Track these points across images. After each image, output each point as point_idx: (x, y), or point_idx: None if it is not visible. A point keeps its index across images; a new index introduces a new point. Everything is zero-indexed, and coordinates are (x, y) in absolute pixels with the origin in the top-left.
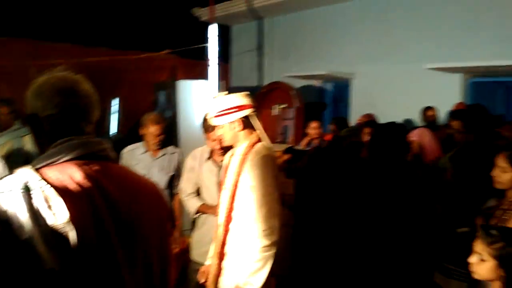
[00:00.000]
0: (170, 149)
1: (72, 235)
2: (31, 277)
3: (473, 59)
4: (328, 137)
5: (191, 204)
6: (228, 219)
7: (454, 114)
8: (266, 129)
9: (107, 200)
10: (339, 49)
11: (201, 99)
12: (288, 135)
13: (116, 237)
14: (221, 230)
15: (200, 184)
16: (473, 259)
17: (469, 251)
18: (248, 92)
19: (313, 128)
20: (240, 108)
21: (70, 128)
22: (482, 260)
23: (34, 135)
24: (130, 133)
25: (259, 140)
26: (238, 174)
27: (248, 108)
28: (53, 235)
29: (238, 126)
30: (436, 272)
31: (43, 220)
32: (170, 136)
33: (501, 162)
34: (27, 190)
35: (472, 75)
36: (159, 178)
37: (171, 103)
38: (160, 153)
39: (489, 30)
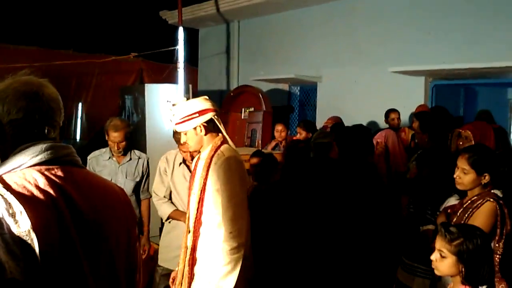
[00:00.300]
0: (135, 154)
1: (35, 243)
2: None
3: (435, 63)
4: (295, 139)
5: (163, 210)
6: (198, 223)
7: (415, 115)
8: (234, 132)
9: (71, 207)
10: (305, 52)
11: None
12: (256, 138)
13: (81, 246)
14: (191, 236)
15: (172, 188)
16: (434, 256)
17: (432, 249)
18: (207, 96)
19: (278, 131)
20: (202, 112)
21: (34, 132)
22: (443, 257)
23: None
24: (95, 139)
25: (224, 142)
26: (205, 178)
27: (210, 112)
28: (15, 244)
29: (202, 131)
30: (400, 269)
31: (6, 227)
32: (137, 140)
33: (462, 164)
34: None
35: (435, 78)
36: (125, 184)
37: (138, 107)
38: (125, 158)
39: (451, 34)
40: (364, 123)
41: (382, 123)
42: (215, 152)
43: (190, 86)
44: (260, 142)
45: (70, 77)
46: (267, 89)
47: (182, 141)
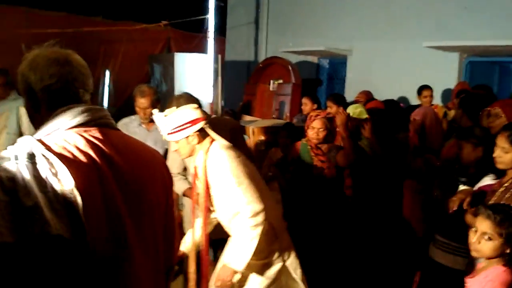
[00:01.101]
0: None
1: (79, 202)
2: (39, 243)
3: (471, 38)
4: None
5: (178, 187)
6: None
7: (457, 93)
8: (262, 104)
9: (112, 168)
10: (336, 25)
11: (198, 73)
12: (284, 110)
13: (123, 205)
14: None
15: (186, 164)
16: (476, 238)
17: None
18: (197, 105)
19: (304, 104)
20: (194, 122)
21: (69, 96)
22: (489, 239)
23: (30, 109)
24: (123, 106)
25: (212, 141)
26: (206, 182)
27: (201, 120)
28: (59, 202)
29: (194, 139)
30: (432, 246)
31: (49, 186)
32: (165, 109)
33: (502, 142)
34: (31, 158)
35: (470, 54)
36: None
37: (167, 76)
38: (155, 126)
39: (488, 9)
40: (395, 99)
41: (413, 99)
42: (207, 154)
43: (219, 56)
44: (288, 114)
45: (98, 44)
46: (295, 62)
47: (173, 149)
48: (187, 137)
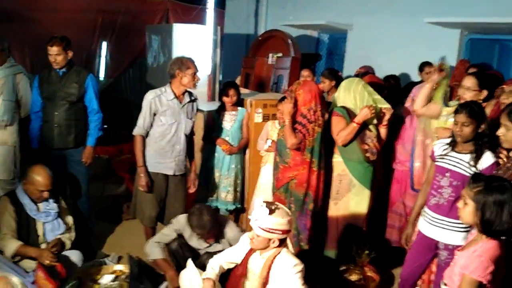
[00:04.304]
0: (192, 95)
1: None
2: None
3: (472, 15)
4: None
5: None
6: None
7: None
8: (260, 78)
9: None
10: None
11: (197, 45)
12: (282, 84)
13: None
14: None
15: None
16: (459, 204)
17: None
18: (291, 218)
19: (303, 77)
20: (284, 232)
21: None
22: (465, 204)
23: None
24: (119, 77)
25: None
26: (266, 278)
27: (289, 232)
28: None
29: (275, 242)
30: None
31: None
32: (164, 80)
33: (504, 120)
34: None
35: (471, 31)
36: (186, 124)
37: (165, 47)
38: (186, 99)
39: None
40: (394, 74)
41: (413, 75)
42: (276, 255)
43: (219, 28)
44: (286, 88)
45: (95, 15)
46: (295, 36)
47: (250, 236)
48: (270, 239)
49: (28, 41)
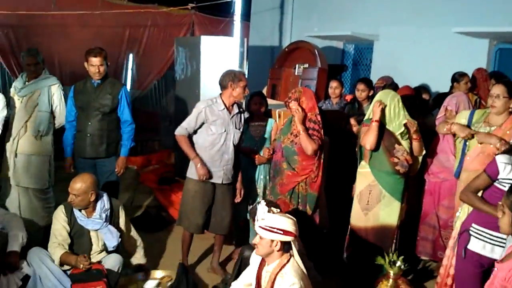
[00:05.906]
0: (241, 107)
1: None
2: None
3: (502, 25)
4: (349, 97)
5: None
6: None
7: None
8: (287, 89)
9: None
10: (363, 9)
11: (224, 56)
12: None
13: None
14: None
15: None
16: (498, 213)
17: None
18: (295, 221)
19: (332, 88)
20: (286, 233)
21: None
22: (503, 213)
23: None
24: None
25: (289, 260)
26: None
27: (292, 236)
28: None
29: (277, 245)
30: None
31: None
32: (192, 93)
33: None
34: None
35: (500, 41)
36: (235, 135)
37: (193, 59)
38: (235, 110)
39: None
40: (421, 85)
41: (440, 86)
42: (280, 269)
43: (246, 40)
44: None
45: (124, 28)
46: (320, 46)
47: (255, 241)
48: (273, 240)
49: (58, 55)
